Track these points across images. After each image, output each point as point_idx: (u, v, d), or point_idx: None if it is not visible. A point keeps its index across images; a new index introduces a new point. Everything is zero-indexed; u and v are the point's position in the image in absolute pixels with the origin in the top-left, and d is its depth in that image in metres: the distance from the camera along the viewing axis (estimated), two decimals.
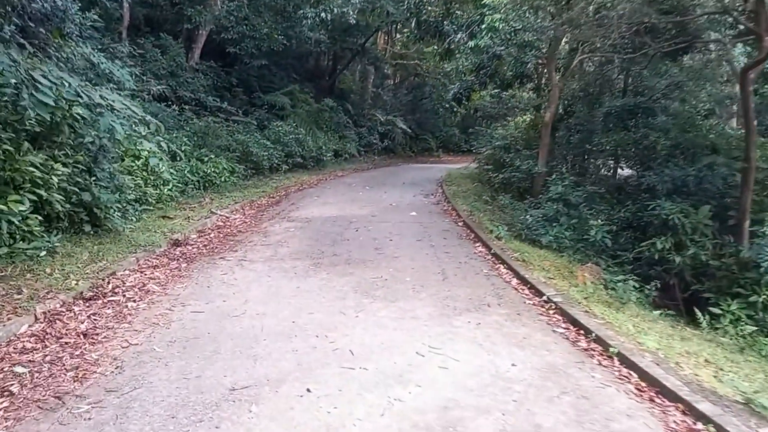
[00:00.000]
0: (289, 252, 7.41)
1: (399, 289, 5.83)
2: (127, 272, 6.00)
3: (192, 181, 11.47)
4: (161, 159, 9.85)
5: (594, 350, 4.36)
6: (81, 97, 5.53)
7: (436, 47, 28.28)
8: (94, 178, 6.95)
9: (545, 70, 14.61)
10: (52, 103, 5.07)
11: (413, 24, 19.71)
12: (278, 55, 23.23)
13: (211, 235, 8.31)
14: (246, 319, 4.80)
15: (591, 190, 9.76)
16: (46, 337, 4.17)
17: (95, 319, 4.60)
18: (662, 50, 11.40)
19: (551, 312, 5.25)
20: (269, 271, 6.42)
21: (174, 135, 12.21)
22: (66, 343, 4.10)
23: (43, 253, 5.85)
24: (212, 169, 12.19)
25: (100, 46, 10.43)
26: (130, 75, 10.61)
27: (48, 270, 5.52)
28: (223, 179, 12.42)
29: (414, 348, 4.27)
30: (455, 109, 32.40)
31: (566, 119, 14.77)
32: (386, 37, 29.15)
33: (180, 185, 10.75)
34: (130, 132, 6.42)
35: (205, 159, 12.44)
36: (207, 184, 12.12)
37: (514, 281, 6.33)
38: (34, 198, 5.85)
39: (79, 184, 6.71)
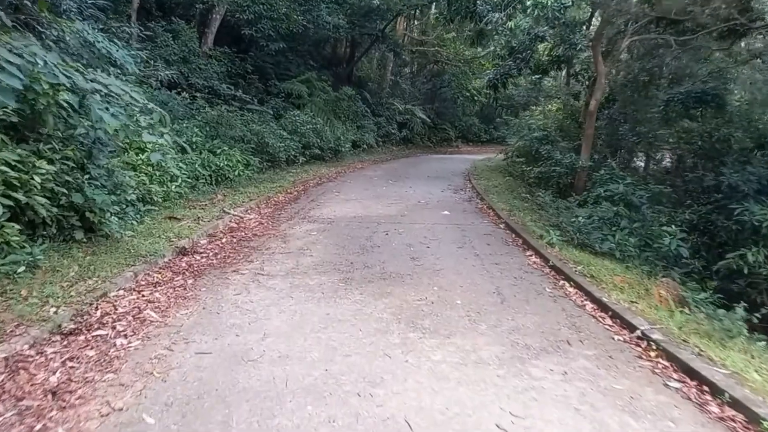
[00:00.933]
0: (313, 263, 6.29)
1: (451, 318, 4.68)
2: (121, 293, 4.91)
3: (203, 175, 10.38)
4: (166, 153, 8.76)
5: (735, 420, 3.19)
6: (58, 77, 4.41)
7: (461, 32, 26.95)
8: (87, 176, 5.86)
9: (586, 55, 13.27)
10: (19, 86, 3.98)
11: (444, 4, 18.28)
12: (295, 41, 22.06)
13: (223, 240, 7.21)
14: (265, 364, 3.69)
15: (655, 189, 8.48)
16: (2, 396, 3.09)
17: (72, 368, 3.51)
18: (720, 31, 10.09)
19: (652, 354, 4.08)
20: (291, 289, 5.30)
21: (184, 125, 11.13)
22: (26, 408, 3.02)
23: (22, 269, 4.78)
24: (225, 162, 11.09)
25: (102, 27, 9.34)
26: (133, 58, 9.54)
27: (24, 292, 4.45)
28: (236, 173, 11.32)
29: (490, 415, 3.14)
30: (477, 99, 31.06)
31: (608, 108, 13.43)
32: (406, 23, 27.77)
33: (190, 180, 9.67)
34: (126, 122, 5.33)
35: (218, 151, 11.34)
36: (219, 179, 11.03)
37: (589, 305, 5.16)
38: (10, 203, 4.78)
39: (69, 184, 5.64)
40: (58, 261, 5.26)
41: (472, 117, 33.68)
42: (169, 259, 6.10)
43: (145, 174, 7.99)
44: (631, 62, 12.76)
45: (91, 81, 5.38)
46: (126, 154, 8.27)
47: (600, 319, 4.82)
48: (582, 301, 5.25)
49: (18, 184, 4.82)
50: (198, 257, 6.31)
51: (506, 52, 13.70)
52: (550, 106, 25.89)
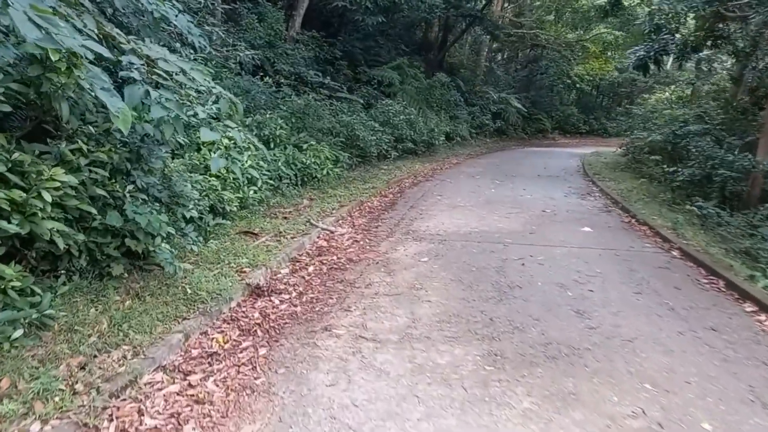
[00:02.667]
0: (435, 316, 4.24)
1: None
2: (158, 377, 3.11)
3: (287, 175, 8.64)
4: (240, 152, 7.06)
5: None
6: (58, 43, 2.62)
7: (563, 13, 23.88)
8: (132, 187, 4.15)
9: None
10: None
11: None
12: (386, 24, 20.09)
13: (310, 270, 5.33)
14: None
15: None
16: None
17: None
18: None
19: None
20: (413, 377, 3.28)
21: (268, 116, 9.43)
22: None
23: (19, 333, 3.11)
24: (312, 160, 9.30)
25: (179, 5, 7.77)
26: (207, 34, 7.90)
27: (3, 384, 2.75)
28: (325, 172, 9.51)
29: None
30: (579, 86, 27.77)
31: None
32: (502, 4, 24.95)
33: (272, 182, 7.94)
34: (174, 113, 3.55)
35: (304, 146, 9.58)
36: (305, 179, 9.27)
37: None
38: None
39: (102, 200, 3.95)
40: (82, 312, 3.56)
41: (570, 106, 30.28)
42: (237, 304, 4.29)
43: (217, 177, 6.27)
44: None
45: (130, 51, 3.62)
46: (197, 151, 6.62)
47: None
48: None
49: (9, 206, 3.12)
50: (276, 300, 4.44)
51: (650, 28, 10.85)
52: (670, 92, 22.31)
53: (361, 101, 14.57)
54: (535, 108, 27.59)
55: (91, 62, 3.38)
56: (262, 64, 13.19)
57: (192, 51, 7.31)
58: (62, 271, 3.84)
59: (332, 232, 6.75)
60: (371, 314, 4.24)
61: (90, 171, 3.80)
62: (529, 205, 9.16)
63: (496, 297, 4.71)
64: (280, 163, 8.51)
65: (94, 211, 3.74)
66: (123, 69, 3.57)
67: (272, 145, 9.14)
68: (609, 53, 26.11)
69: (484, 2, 20.67)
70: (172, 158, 5.80)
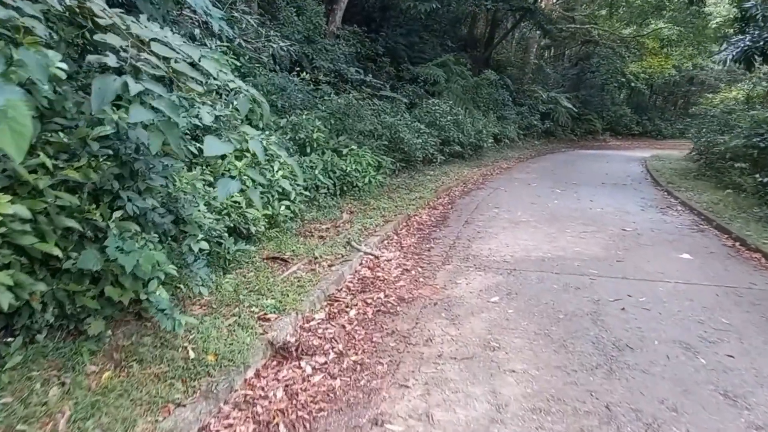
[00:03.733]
0: (525, 401, 2.99)
1: None
2: None
3: (325, 185, 7.51)
4: (272, 160, 5.94)
5: None
6: None
7: (617, 5, 22.05)
8: (119, 214, 3.07)
9: None
10: None
11: None
12: (431, 19, 18.82)
13: (351, 315, 4.15)
14: None
15: None
16: None
17: None
18: None
19: None
20: None
21: (304, 116, 8.33)
22: None
23: None
24: (353, 166, 8.15)
25: None
26: (235, 22, 6.85)
27: None
28: (366, 180, 8.35)
29: None
30: (635, 85, 25.79)
31: None
32: None
33: (307, 193, 6.82)
34: (166, 116, 2.47)
35: (344, 151, 8.43)
36: (345, 188, 8.13)
37: None
38: None
39: (73, 235, 2.88)
40: (36, 395, 2.49)
41: (622, 106, 28.25)
42: (256, 374, 3.15)
43: (242, 191, 5.18)
44: None
45: (110, 28, 2.54)
46: (222, 158, 5.55)
47: None
48: None
49: None
50: (308, 367, 3.27)
51: (735, 17, 9.19)
52: (737, 91, 20.23)
53: (405, 100, 13.34)
54: (585, 108, 25.75)
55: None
56: (299, 61, 12.18)
57: (218, 41, 6.25)
58: (19, 331, 2.78)
59: (377, 258, 5.57)
60: (437, 394, 3.02)
61: (56, 196, 2.72)
62: (603, 221, 7.75)
63: (603, 365, 3.42)
64: (317, 171, 7.39)
65: (57, 252, 2.66)
66: (96, 52, 2.48)
67: (309, 150, 8.04)
68: (668, 50, 23.99)
69: None
70: (189, 169, 4.74)
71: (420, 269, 5.31)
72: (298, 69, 10.79)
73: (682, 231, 7.27)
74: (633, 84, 25.63)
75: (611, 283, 5.03)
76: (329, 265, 5.04)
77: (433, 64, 16.32)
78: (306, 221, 6.55)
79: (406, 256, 5.72)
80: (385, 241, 6.24)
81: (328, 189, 7.84)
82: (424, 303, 4.43)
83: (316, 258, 5.18)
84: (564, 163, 15.92)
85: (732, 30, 9.29)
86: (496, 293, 4.68)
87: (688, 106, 31.77)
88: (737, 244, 6.56)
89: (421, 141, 11.37)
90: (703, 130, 13.75)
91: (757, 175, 9.17)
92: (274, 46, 7.17)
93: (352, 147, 8.55)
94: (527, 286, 4.89)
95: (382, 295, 4.55)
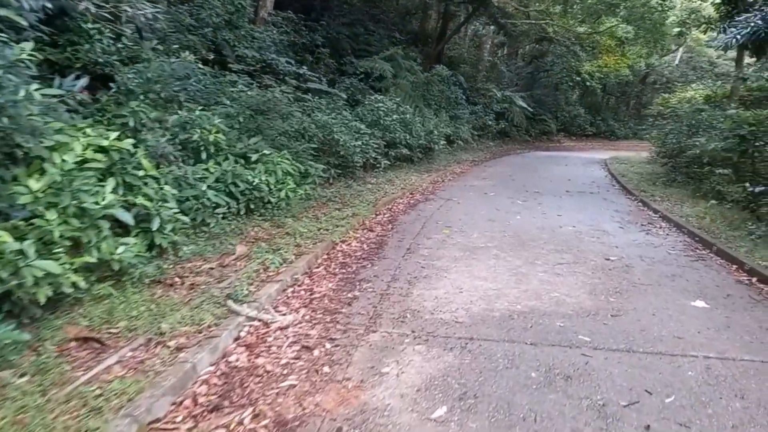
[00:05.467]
0: None
1: None
2: None
3: (223, 203, 5.49)
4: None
5: None
6: None
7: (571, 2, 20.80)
8: None
9: None
10: None
11: None
12: (378, 8, 16.96)
13: None
14: None
15: None
16: None
17: None
18: None
19: None
20: None
21: (197, 112, 6.26)
22: None
23: None
24: (263, 177, 6.16)
25: None
26: None
27: None
28: (283, 194, 6.37)
29: None
30: (590, 84, 24.71)
31: None
32: None
33: (186, 218, 4.78)
34: None
35: (254, 157, 6.42)
36: (253, 205, 6.13)
37: None
38: None
39: None
40: None
41: (576, 106, 27.20)
42: None
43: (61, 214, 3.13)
44: None
45: None
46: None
47: None
48: None
49: None
50: None
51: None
52: (694, 91, 19.29)
53: (344, 96, 11.40)
54: (539, 108, 24.47)
55: None
56: (219, 48, 10.10)
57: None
58: None
59: (267, 325, 3.61)
60: None
61: None
62: (579, 246, 6.05)
63: None
64: (205, 188, 5.35)
65: None
66: None
67: (205, 156, 6.00)
68: (624, 48, 22.96)
69: None
70: None
71: (328, 346, 3.39)
72: (212, 58, 8.76)
73: (678, 260, 5.63)
74: (588, 83, 24.50)
75: (614, 362, 3.26)
76: (178, 349, 3.06)
77: (380, 58, 14.44)
78: (181, 259, 4.53)
79: (312, 319, 3.79)
80: (289, 290, 4.29)
81: (230, 208, 5.83)
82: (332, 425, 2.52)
83: (161, 334, 3.19)
84: (522, 167, 14.36)
85: (717, 14, 7.85)
86: (443, 398, 2.81)
87: (641, 106, 31.17)
88: (755, 280, 4.94)
89: (360, 143, 9.47)
90: (668, 132, 12.42)
91: (747, 184, 7.71)
92: (130, 11, 4.98)
93: (265, 152, 6.54)
94: (491, 377, 3.05)
95: (247, 416, 2.60)
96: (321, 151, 9.03)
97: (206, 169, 5.93)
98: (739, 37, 6.21)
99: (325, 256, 5.27)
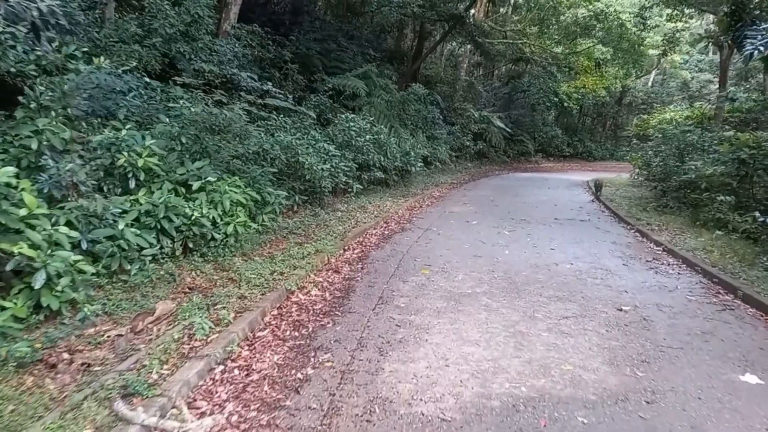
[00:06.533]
0: None
1: None
2: None
3: (138, 245, 4.34)
4: None
5: None
6: None
7: (548, 24, 20.31)
8: None
9: None
10: None
11: None
12: (351, 24, 16.11)
13: None
14: None
15: None
16: None
17: None
18: None
19: None
20: None
21: (125, 131, 5.14)
22: None
23: None
24: (204, 210, 5.05)
25: None
26: None
27: None
28: (231, 229, 5.26)
29: None
30: (567, 105, 24.23)
31: None
32: (487, 9, 21.14)
33: (90, 268, 3.63)
34: None
35: (195, 185, 5.31)
36: (192, 245, 5.01)
37: None
38: None
39: None
40: None
41: (554, 127, 26.71)
42: None
43: None
44: None
45: None
46: None
47: None
48: None
49: None
50: None
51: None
52: (674, 112, 18.89)
53: (313, 115, 10.39)
54: (517, 128, 23.86)
55: None
56: (174, 61, 9.08)
57: None
58: None
59: None
60: None
61: None
62: (583, 290, 5.07)
63: None
64: (123, 224, 4.20)
65: None
66: None
67: (132, 184, 4.87)
68: (603, 69, 22.56)
69: (468, 2, 16.87)
70: None
71: None
72: (160, 70, 7.71)
73: (702, 310, 4.68)
74: (566, 104, 24.00)
75: None
76: None
77: (353, 75, 13.51)
78: (83, 324, 3.37)
79: (241, 422, 2.67)
80: (218, 371, 3.16)
81: (162, 248, 4.70)
82: None
83: None
84: (503, 190, 13.48)
85: (715, 29, 7.17)
86: None
87: (617, 127, 30.93)
88: None
89: (329, 166, 8.43)
90: (655, 154, 11.73)
91: (757, 214, 6.88)
92: (15, 6, 3.84)
93: (210, 178, 5.43)
94: None
95: None
96: (286, 175, 7.98)
97: (135, 201, 4.82)
98: (762, 48, 5.45)
99: (276, 312, 4.15)
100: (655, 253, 6.80)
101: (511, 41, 21.06)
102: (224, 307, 3.93)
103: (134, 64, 6.65)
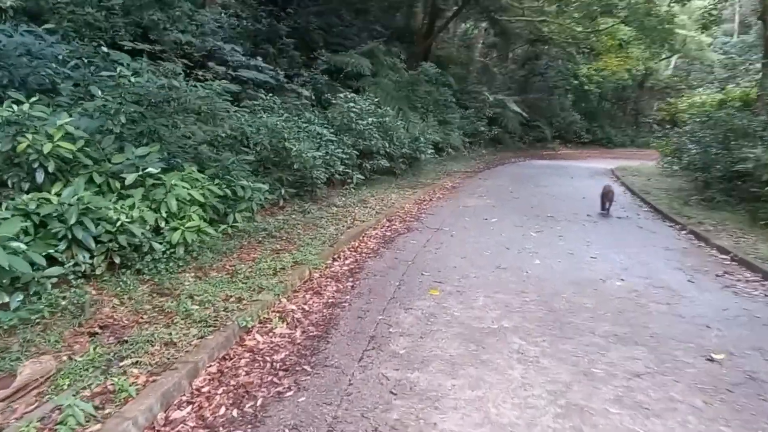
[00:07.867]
0: None
1: None
2: None
3: (39, 265, 3.00)
4: None
5: None
6: None
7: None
8: None
9: None
10: None
11: None
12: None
13: None
14: None
15: None
16: None
17: None
18: None
19: None
20: None
21: (30, 104, 3.81)
22: None
23: None
24: (135, 212, 3.71)
25: None
26: None
27: None
28: (177, 237, 3.92)
29: None
30: (588, 89, 22.43)
31: None
32: None
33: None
34: None
35: (128, 178, 3.96)
36: (122, 260, 3.68)
37: None
38: None
39: None
40: None
41: (572, 112, 24.93)
42: None
43: None
44: None
45: None
46: None
47: None
48: None
49: None
50: None
51: None
52: (705, 95, 17.14)
53: (307, 93, 8.98)
54: (533, 113, 22.18)
55: None
56: (146, 30, 7.75)
57: None
58: None
59: None
60: None
61: None
62: (649, 323, 3.66)
63: None
64: (33, 241, 2.86)
65: None
66: None
67: (41, 178, 3.54)
68: (628, 49, 20.68)
69: None
70: None
71: None
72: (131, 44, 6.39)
73: None
74: (586, 87, 22.23)
75: None
76: None
77: (358, 53, 12.04)
78: None
79: None
80: None
81: (76, 265, 3.38)
82: None
83: None
84: (522, 180, 11.99)
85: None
86: None
87: (638, 113, 28.99)
88: None
89: (322, 154, 7.05)
90: (692, 140, 10.17)
91: None
92: None
93: (151, 169, 4.06)
94: None
95: None
96: (272, 164, 6.64)
97: (45, 200, 3.50)
98: None
99: (215, 369, 2.80)
100: (723, 264, 5.33)
101: (530, 19, 19.28)
102: (135, 363, 2.60)
103: (66, 24, 5.26)
